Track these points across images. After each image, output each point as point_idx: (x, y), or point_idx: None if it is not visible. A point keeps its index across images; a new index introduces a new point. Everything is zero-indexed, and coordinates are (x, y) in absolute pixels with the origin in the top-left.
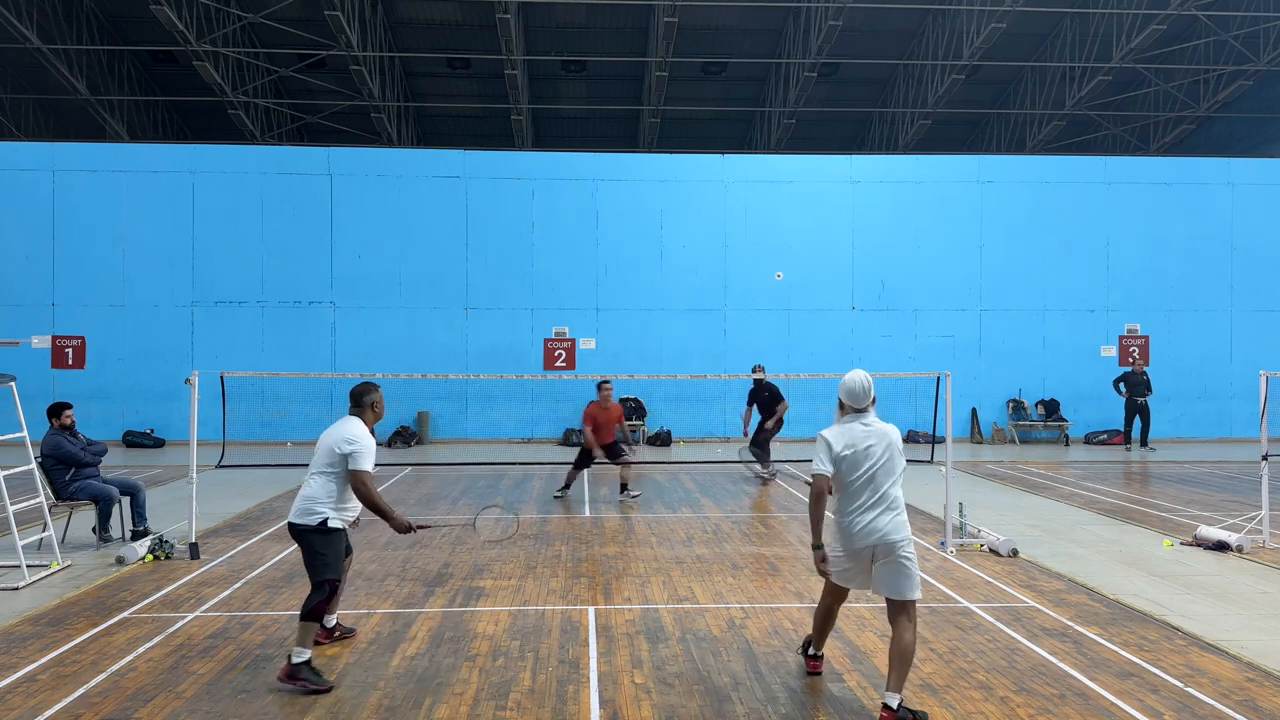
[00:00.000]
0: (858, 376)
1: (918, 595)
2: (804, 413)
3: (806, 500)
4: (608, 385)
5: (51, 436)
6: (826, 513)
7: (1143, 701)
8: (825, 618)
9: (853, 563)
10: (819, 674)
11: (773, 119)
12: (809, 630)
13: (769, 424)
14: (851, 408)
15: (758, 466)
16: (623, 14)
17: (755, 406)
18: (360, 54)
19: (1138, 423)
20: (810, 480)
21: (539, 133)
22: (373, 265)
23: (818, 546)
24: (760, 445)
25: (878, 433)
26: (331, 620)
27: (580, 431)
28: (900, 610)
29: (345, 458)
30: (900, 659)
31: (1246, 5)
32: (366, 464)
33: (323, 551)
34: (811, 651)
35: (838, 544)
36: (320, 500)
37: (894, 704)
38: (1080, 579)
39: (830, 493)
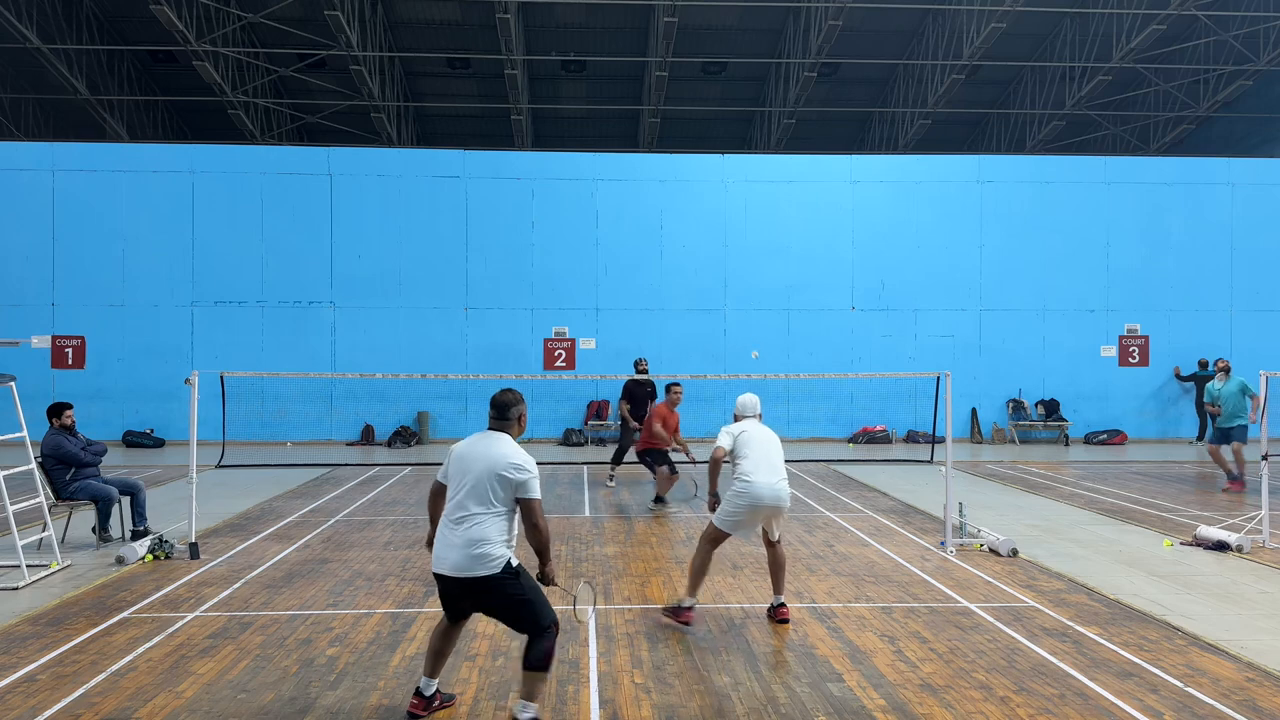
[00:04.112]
0: (750, 396)
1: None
2: (803, 413)
3: (805, 499)
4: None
5: (52, 436)
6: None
7: (1143, 701)
8: (704, 565)
9: (747, 515)
10: (690, 625)
11: (773, 119)
12: (808, 629)
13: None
14: (743, 416)
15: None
16: (623, 14)
17: (631, 405)
18: (360, 54)
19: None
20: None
21: (539, 133)
22: (373, 265)
23: (714, 494)
24: (623, 452)
25: (767, 431)
26: (431, 687)
27: (580, 431)
28: (775, 543)
29: (518, 485)
30: (779, 568)
31: (1246, 5)
32: (540, 492)
33: (528, 594)
34: (687, 603)
35: (739, 498)
36: (495, 541)
37: (782, 601)
38: (1080, 579)
39: (724, 462)
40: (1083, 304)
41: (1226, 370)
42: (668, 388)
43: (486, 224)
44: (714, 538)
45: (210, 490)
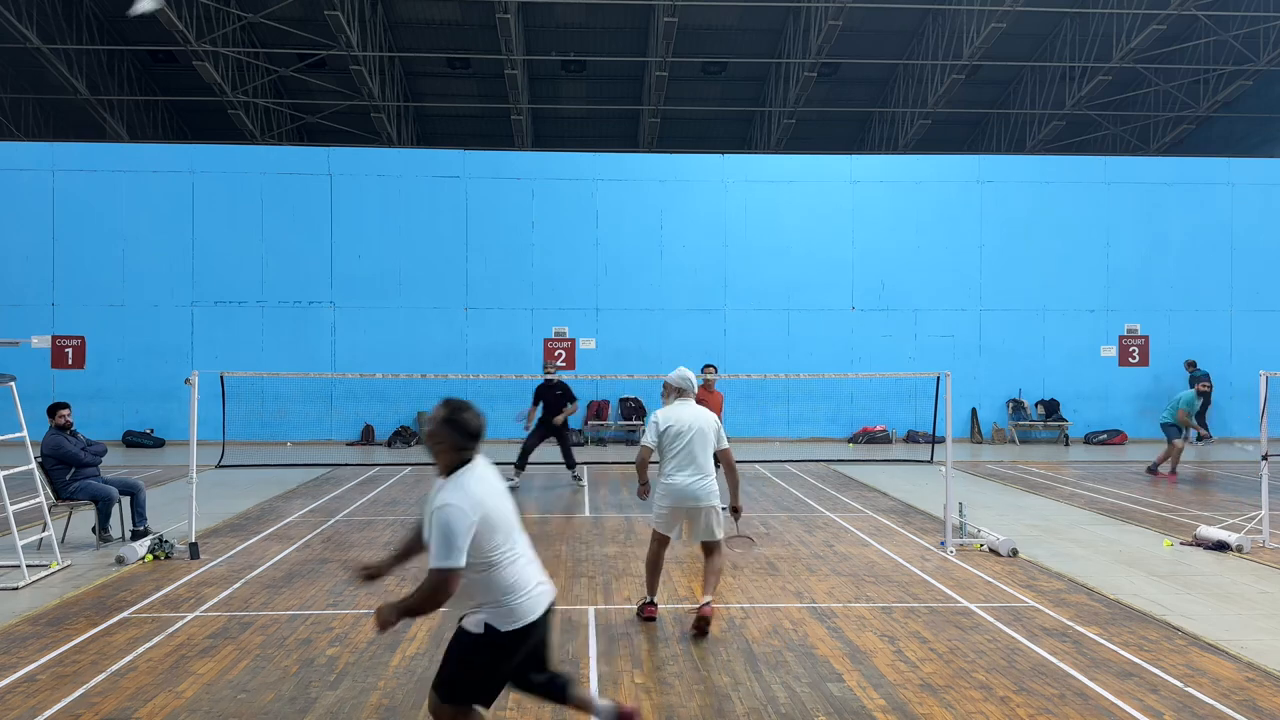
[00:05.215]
0: (685, 371)
1: (723, 535)
2: (804, 412)
3: (805, 499)
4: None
5: (51, 436)
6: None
7: (1143, 701)
8: (655, 564)
9: (671, 515)
10: (654, 619)
11: (773, 119)
12: (808, 629)
13: (558, 420)
14: (679, 392)
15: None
16: (623, 14)
17: (542, 405)
18: (360, 54)
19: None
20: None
21: (539, 133)
22: (373, 265)
23: (644, 483)
24: (557, 446)
25: (697, 414)
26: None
27: (580, 431)
28: (711, 547)
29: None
30: (713, 573)
31: (1246, 5)
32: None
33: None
34: (648, 599)
35: (663, 499)
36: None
37: (709, 600)
38: (1080, 579)
39: (651, 460)
40: (1083, 304)
41: (1206, 393)
42: (703, 369)
43: (486, 224)
44: (656, 539)
45: (210, 490)
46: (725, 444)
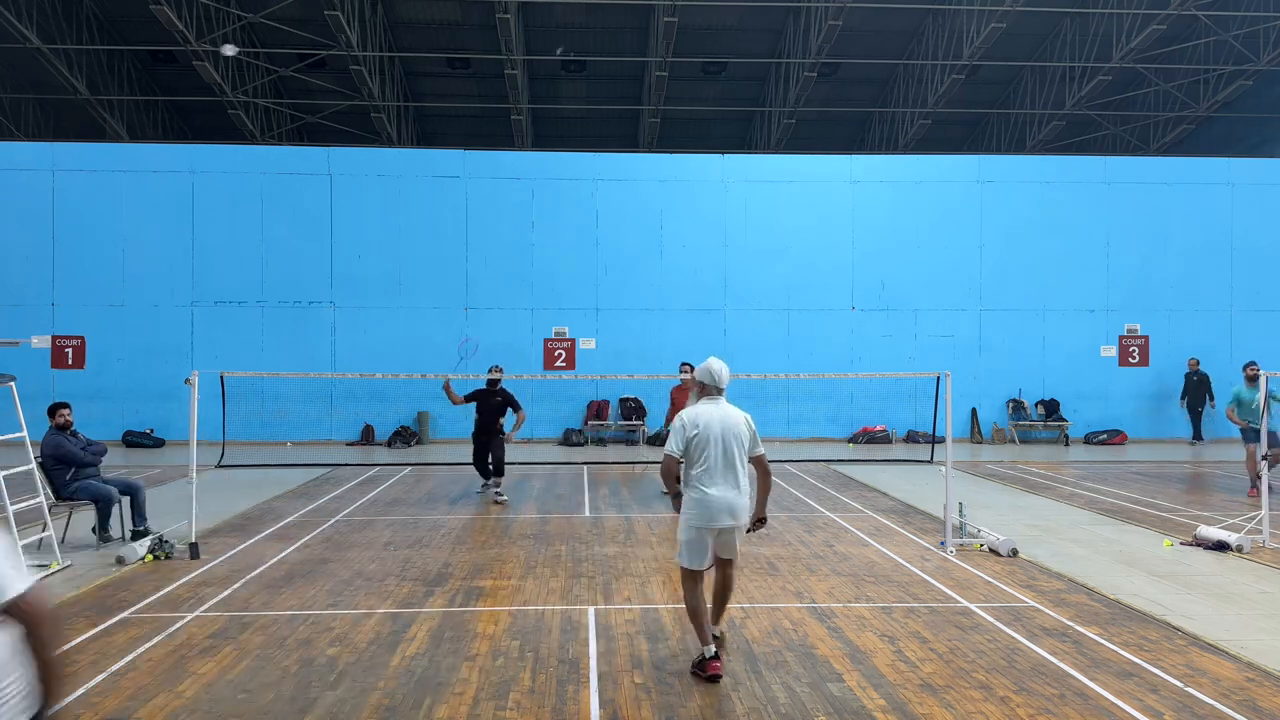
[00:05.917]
0: (717, 362)
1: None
2: (803, 412)
3: (805, 499)
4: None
5: (51, 436)
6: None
7: (1143, 701)
8: (697, 605)
9: (700, 537)
10: (720, 676)
11: (773, 119)
12: (808, 629)
13: (495, 429)
14: (712, 387)
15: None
16: (623, 14)
17: (477, 409)
18: (360, 54)
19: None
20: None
21: (539, 133)
22: (373, 265)
23: (677, 495)
24: (490, 458)
25: (727, 415)
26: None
27: (580, 431)
28: (726, 563)
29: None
30: (723, 596)
31: (1246, 5)
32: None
33: None
34: (708, 654)
35: (692, 517)
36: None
37: (719, 632)
38: (1080, 579)
39: (678, 470)
40: (1083, 304)
41: (1255, 377)
42: (681, 367)
43: (486, 224)
44: (690, 577)
45: (210, 490)
46: (760, 448)
